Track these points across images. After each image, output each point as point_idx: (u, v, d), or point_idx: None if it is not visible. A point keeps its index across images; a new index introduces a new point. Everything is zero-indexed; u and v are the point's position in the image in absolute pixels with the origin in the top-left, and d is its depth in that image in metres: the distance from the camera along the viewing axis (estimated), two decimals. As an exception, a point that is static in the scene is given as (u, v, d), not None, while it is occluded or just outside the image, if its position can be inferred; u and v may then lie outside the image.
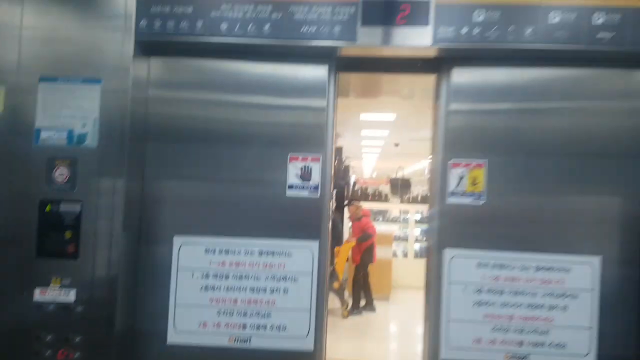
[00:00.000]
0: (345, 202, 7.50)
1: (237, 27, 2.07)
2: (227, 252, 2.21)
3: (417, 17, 2.03)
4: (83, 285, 2.09)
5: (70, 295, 2.10)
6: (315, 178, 2.20)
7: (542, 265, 2.11)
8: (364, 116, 6.96)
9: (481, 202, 2.15)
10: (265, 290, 2.20)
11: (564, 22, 2.00)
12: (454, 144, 2.18)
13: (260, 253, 2.21)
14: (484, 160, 2.15)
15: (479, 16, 2.02)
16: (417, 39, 2.05)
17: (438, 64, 2.21)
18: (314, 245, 2.19)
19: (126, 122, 2.11)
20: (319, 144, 2.22)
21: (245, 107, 2.24)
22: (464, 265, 2.14)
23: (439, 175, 2.19)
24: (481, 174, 2.14)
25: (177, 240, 2.22)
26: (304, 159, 2.22)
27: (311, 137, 2.22)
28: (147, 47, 2.18)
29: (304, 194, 2.21)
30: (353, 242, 7.38)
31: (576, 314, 2.09)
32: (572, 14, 2.00)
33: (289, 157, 2.22)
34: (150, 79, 2.23)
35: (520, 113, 2.16)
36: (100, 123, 2.11)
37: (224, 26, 2.07)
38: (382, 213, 11.59)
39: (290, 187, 2.21)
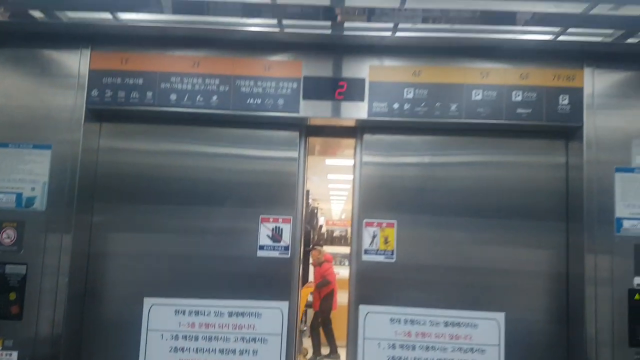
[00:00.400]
0: (310, 246, 7.52)
1: (186, 98, 2.20)
2: (197, 313, 2.24)
3: (353, 93, 2.21)
4: (26, 346, 2.10)
5: (13, 357, 2.10)
6: (286, 239, 2.29)
7: (450, 320, 2.24)
8: (329, 161, 7.14)
9: (393, 260, 2.28)
10: (234, 351, 2.22)
11: (486, 99, 2.21)
12: (367, 204, 2.32)
13: (230, 314, 2.24)
14: (394, 220, 2.30)
15: (409, 94, 2.21)
16: (354, 113, 2.22)
17: (356, 131, 2.37)
18: (283, 305, 2.25)
19: (75, 185, 2.18)
20: (290, 205, 2.31)
21: (211, 168, 2.32)
22: (378, 321, 2.24)
23: (356, 234, 2.32)
24: (392, 233, 2.28)
25: (148, 301, 2.24)
26: (275, 220, 2.30)
27: (282, 198, 2.30)
28: (98, 114, 2.28)
29: (275, 254, 2.29)
30: (311, 288, 7.33)
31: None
32: (493, 92, 2.21)
33: (260, 218, 2.30)
34: (100, 144, 2.32)
35: (429, 176, 2.32)
36: (49, 186, 2.17)
37: (173, 97, 2.20)
38: (348, 257, 11.52)
39: (262, 247, 2.29)
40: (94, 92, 2.20)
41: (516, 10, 2.07)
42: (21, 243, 2.15)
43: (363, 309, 2.24)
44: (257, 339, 2.22)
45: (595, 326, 2.11)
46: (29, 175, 2.17)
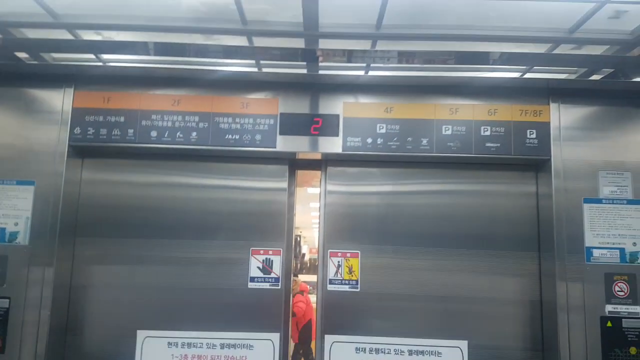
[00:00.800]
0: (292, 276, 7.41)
1: (166, 134, 2.28)
2: (189, 345, 2.26)
3: (328, 129, 2.29)
4: (7, 381, 2.13)
5: (-6, 392, 2.12)
6: (277, 270, 2.34)
7: (415, 349, 2.27)
8: (311, 190, 7.23)
9: (357, 290, 2.33)
10: None
11: (456, 134, 2.30)
12: (332, 234, 2.37)
13: (222, 346, 2.26)
14: (358, 251, 2.36)
15: (381, 129, 2.29)
16: (329, 147, 2.30)
17: (321, 164, 2.44)
18: (275, 337, 2.28)
19: (57, 219, 2.23)
20: (280, 237, 2.36)
21: (200, 200, 2.38)
22: (344, 350, 2.27)
23: (322, 264, 2.36)
24: (356, 263, 2.34)
25: (141, 334, 2.27)
26: (266, 252, 2.35)
27: (272, 230, 2.35)
28: (81, 150, 2.36)
29: (266, 286, 2.33)
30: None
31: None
32: (462, 127, 2.30)
33: (250, 250, 2.35)
34: (82, 179, 2.39)
35: (392, 207, 2.39)
36: (32, 221, 2.22)
37: (153, 134, 2.28)
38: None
39: (252, 279, 2.34)
40: (77, 130, 2.27)
41: (483, 50, 2.18)
42: (4, 277, 2.18)
43: (329, 338, 2.28)
44: None
45: (569, 353, 2.15)
46: (12, 210, 2.23)
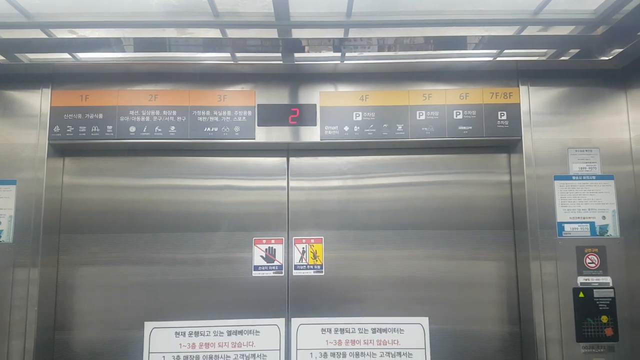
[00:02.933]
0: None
1: (145, 129, 2.31)
2: (196, 334, 2.32)
3: (306, 118, 2.34)
4: (-2, 378, 2.16)
5: (-16, 389, 2.16)
6: (279, 258, 2.40)
7: (378, 327, 2.36)
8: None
9: (322, 274, 2.40)
10: None
11: (429, 119, 2.36)
12: (296, 221, 2.44)
13: (229, 333, 2.33)
14: (322, 236, 2.43)
15: (358, 117, 2.35)
16: (308, 136, 2.35)
17: (284, 153, 2.49)
18: (280, 322, 2.35)
19: (40, 216, 2.26)
20: (281, 226, 2.43)
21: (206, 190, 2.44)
22: (310, 331, 2.35)
23: (286, 250, 2.42)
24: (320, 248, 2.41)
25: (148, 325, 2.32)
26: (268, 242, 2.41)
27: (273, 220, 2.42)
28: (61, 149, 2.38)
29: (269, 273, 2.39)
30: None
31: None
32: (435, 112, 2.36)
33: (253, 240, 2.41)
34: (64, 176, 2.41)
35: (352, 192, 2.46)
36: (15, 219, 2.25)
37: (132, 129, 2.31)
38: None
39: (256, 268, 2.39)
40: (56, 128, 2.29)
41: (453, 35, 2.23)
42: (-10, 276, 2.21)
43: (295, 321, 2.35)
44: (256, 355, 2.31)
45: (544, 325, 2.24)
46: (-5, 210, 2.25)
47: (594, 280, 2.28)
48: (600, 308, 2.25)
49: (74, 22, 2.07)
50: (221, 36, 2.16)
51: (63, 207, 2.39)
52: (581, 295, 2.26)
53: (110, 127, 2.30)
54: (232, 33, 2.15)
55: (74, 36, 2.14)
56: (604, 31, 2.20)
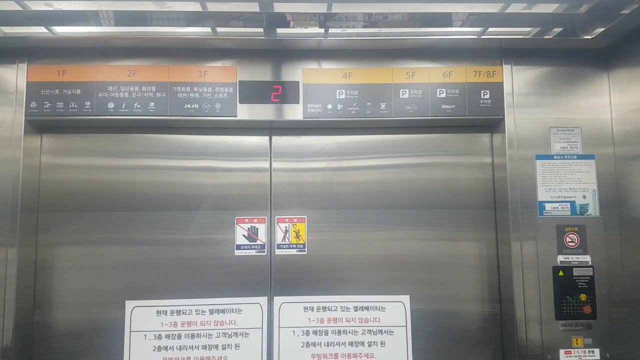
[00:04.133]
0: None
1: (124, 105, 2.26)
2: (178, 312, 2.31)
3: (288, 96, 2.32)
4: (-25, 357, 2.14)
5: (-37, 368, 2.13)
6: (262, 237, 2.39)
7: (360, 305, 2.38)
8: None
9: (305, 253, 2.40)
10: (217, 347, 2.30)
11: (413, 97, 2.34)
12: (279, 201, 2.43)
13: (212, 311, 2.32)
14: (304, 216, 2.42)
15: (341, 95, 2.33)
16: (290, 114, 2.33)
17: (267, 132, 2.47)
18: (262, 300, 2.35)
19: (18, 195, 2.22)
20: (264, 205, 2.41)
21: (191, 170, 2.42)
22: (292, 310, 2.36)
23: (269, 230, 2.41)
24: (303, 228, 2.41)
25: (129, 304, 2.30)
26: (250, 221, 2.40)
27: (256, 200, 2.41)
28: (38, 125, 2.33)
29: (252, 253, 2.38)
30: None
31: (394, 348, 2.34)
32: (419, 91, 2.35)
33: (235, 219, 2.39)
34: (42, 154, 2.37)
35: (335, 172, 2.45)
36: (-6, 196, 2.21)
37: (110, 105, 2.26)
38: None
39: (239, 247, 2.38)
40: (33, 104, 2.24)
41: (437, 12, 2.21)
42: (-34, 255, 2.17)
43: (278, 300, 2.35)
44: (238, 334, 2.31)
45: (524, 304, 2.26)
46: (-29, 188, 2.21)
47: (573, 259, 2.30)
48: (579, 286, 2.28)
49: (49, -7, 2.01)
50: (201, 9, 2.11)
51: (41, 185, 2.35)
52: (561, 273, 2.28)
53: (89, 103, 2.25)
54: (213, 6, 2.10)
55: (50, 9, 2.08)
56: (588, 9, 2.19)
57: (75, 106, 2.25)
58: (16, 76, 2.25)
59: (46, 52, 2.27)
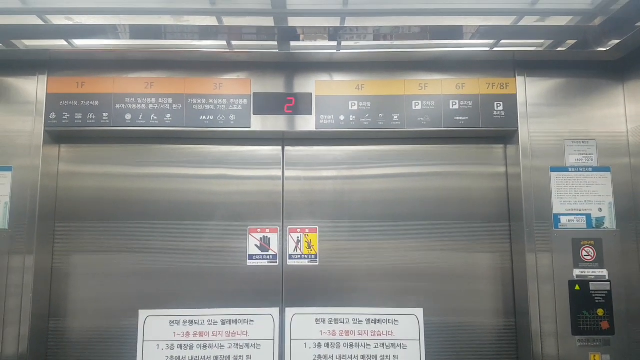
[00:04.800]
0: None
1: (141, 116, 2.31)
2: (191, 322, 2.32)
3: (301, 107, 2.34)
4: (-8, 364, 2.17)
5: (-20, 375, 2.16)
6: (274, 247, 2.40)
7: (372, 318, 2.35)
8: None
9: (317, 263, 2.40)
10: (229, 358, 2.30)
11: (426, 109, 2.35)
12: (291, 210, 2.43)
13: (224, 322, 2.32)
14: (316, 226, 2.42)
15: (353, 106, 2.34)
16: (303, 125, 2.35)
17: (280, 142, 2.48)
18: (274, 311, 2.34)
19: (36, 203, 2.26)
20: (276, 216, 2.43)
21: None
22: (304, 322, 2.34)
23: (281, 240, 2.41)
24: (315, 238, 2.40)
25: (143, 313, 2.31)
26: (263, 230, 2.41)
27: (268, 209, 2.42)
28: (57, 136, 2.38)
29: (264, 263, 2.39)
30: None
31: (407, 362, 2.31)
32: (431, 102, 2.35)
33: (248, 229, 2.41)
34: (60, 163, 2.42)
35: (347, 182, 2.45)
36: (11, 206, 2.25)
37: (128, 116, 2.31)
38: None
39: (251, 257, 2.39)
40: (52, 115, 2.30)
41: (450, 25, 2.22)
42: (-16, 262, 2.21)
43: (290, 311, 2.35)
44: (250, 345, 2.30)
45: (540, 318, 2.23)
46: (-10, 196, 2.26)
47: (590, 273, 2.26)
48: (597, 301, 2.24)
49: (70, 8, 2.07)
50: (217, 24, 2.16)
51: (58, 194, 2.39)
52: (577, 288, 2.25)
53: (106, 114, 2.30)
54: (229, 21, 2.15)
55: (70, 22, 2.14)
56: (602, 22, 2.19)
57: (93, 117, 2.30)
58: (36, 87, 2.31)
59: (65, 65, 2.33)
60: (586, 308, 2.23)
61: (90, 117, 2.29)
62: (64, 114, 2.30)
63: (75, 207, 2.39)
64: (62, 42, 2.25)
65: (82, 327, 2.33)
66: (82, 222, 2.39)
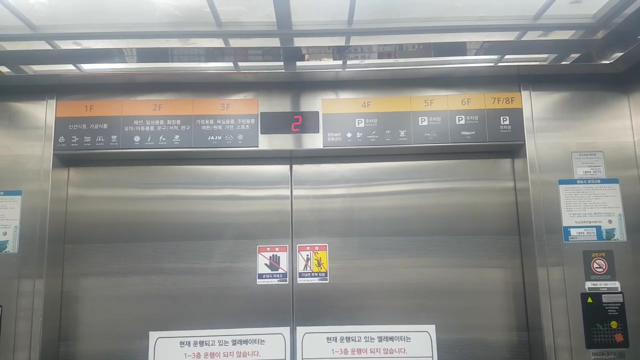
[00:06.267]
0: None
1: (149, 138, 2.32)
2: (201, 343, 2.31)
3: (309, 126, 2.35)
4: (3, 388, 2.15)
5: (-11, 400, 2.14)
6: (283, 266, 2.39)
7: (384, 335, 2.34)
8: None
9: (327, 281, 2.39)
10: None
11: (432, 124, 2.36)
12: (300, 229, 2.43)
13: (234, 342, 2.31)
14: (325, 243, 2.42)
15: (360, 123, 2.36)
16: (311, 144, 2.36)
17: (287, 160, 2.49)
18: (285, 330, 2.33)
19: (46, 225, 2.26)
20: (285, 234, 2.42)
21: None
22: (315, 340, 2.33)
23: (291, 258, 2.41)
24: (325, 256, 2.40)
25: (153, 335, 2.31)
26: (272, 249, 2.41)
27: (277, 228, 2.42)
28: (66, 159, 2.39)
29: (274, 281, 2.38)
30: None
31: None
32: (437, 118, 2.37)
33: (257, 248, 2.41)
34: (69, 187, 2.43)
35: (356, 199, 2.45)
36: (20, 230, 2.25)
37: (136, 138, 2.32)
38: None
39: (261, 276, 2.38)
40: (61, 139, 2.31)
41: (454, 41, 2.24)
42: (-5, 286, 2.21)
43: (300, 330, 2.33)
44: None
45: (553, 332, 2.21)
46: (1, 220, 2.26)
47: (602, 285, 2.25)
48: (610, 313, 2.22)
49: (78, 33, 2.09)
50: (224, 45, 2.18)
51: (68, 217, 2.40)
52: (589, 300, 2.23)
53: (115, 136, 2.31)
54: (235, 42, 2.17)
55: (78, 47, 2.16)
56: (604, 35, 2.20)
57: (102, 140, 2.31)
58: (45, 112, 2.33)
59: (74, 89, 2.36)
60: (599, 321, 2.21)
61: (99, 139, 2.31)
62: (73, 137, 2.31)
63: (85, 230, 2.40)
64: (70, 67, 2.27)
65: (92, 351, 2.32)
66: (91, 244, 2.39)
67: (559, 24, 2.19)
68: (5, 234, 2.26)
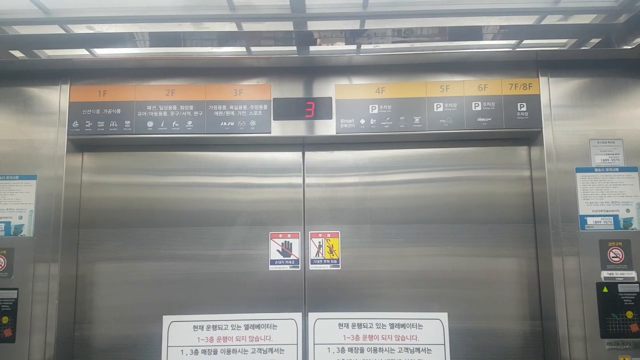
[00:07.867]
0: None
1: (162, 124, 2.32)
2: (214, 327, 2.33)
3: (322, 112, 2.33)
4: (19, 370, 2.19)
5: (8, 380, 2.18)
6: (296, 252, 2.40)
7: (396, 322, 2.33)
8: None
9: (339, 268, 2.38)
10: None
11: (447, 111, 2.32)
12: (313, 216, 2.42)
13: (247, 327, 2.33)
14: (338, 231, 2.41)
15: (374, 109, 2.33)
16: (324, 130, 2.34)
17: (300, 147, 2.47)
18: (297, 316, 2.34)
19: (60, 211, 2.28)
20: (297, 221, 2.42)
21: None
22: (327, 326, 2.33)
23: (303, 245, 2.40)
24: (337, 243, 2.39)
25: (167, 319, 2.33)
26: (284, 236, 2.41)
27: (289, 215, 2.42)
28: (80, 144, 2.40)
29: (286, 268, 2.39)
30: None
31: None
32: (453, 104, 2.33)
33: (269, 234, 2.41)
34: (83, 171, 2.44)
35: (368, 186, 2.43)
36: (36, 214, 2.27)
37: (150, 124, 2.32)
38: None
39: (273, 262, 2.40)
40: (75, 124, 2.32)
41: (471, 25, 2.20)
42: (12, 269, 2.24)
43: (312, 316, 2.34)
44: (274, 350, 2.31)
45: (567, 322, 2.19)
46: (16, 204, 2.28)
47: (618, 274, 2.22)
48: (625, 303, 2.19)
49: (92, 17, 2.09)
50: (237, 29, 2.16)
51: (82, 202, 2.42)
52: (605, 290, 2.21)
53: (128, 122, 2.31)
54: (248, 26, 2.15)
55: (92, 32, 2.16)
56: (627, 19, 2.14)
57: (116, 125, 2.31)
58: (59, 97, 2.33)
59: (87, 74, 2.35)
60: (615, 310, 2.19)
61: (113, 125, 2.31)
62: (86, 122, 2.32)
63: (99, 215, 2.41)
64: (83, 52, 2.27)
65: (107, 334, 2.35)
66: (105, 229, 2.41)
67: (580, 7, 2.13)
68: (21, 217, 2.28)
